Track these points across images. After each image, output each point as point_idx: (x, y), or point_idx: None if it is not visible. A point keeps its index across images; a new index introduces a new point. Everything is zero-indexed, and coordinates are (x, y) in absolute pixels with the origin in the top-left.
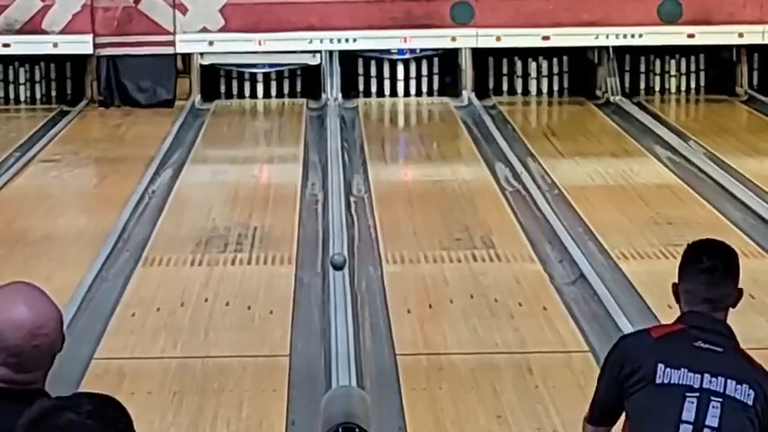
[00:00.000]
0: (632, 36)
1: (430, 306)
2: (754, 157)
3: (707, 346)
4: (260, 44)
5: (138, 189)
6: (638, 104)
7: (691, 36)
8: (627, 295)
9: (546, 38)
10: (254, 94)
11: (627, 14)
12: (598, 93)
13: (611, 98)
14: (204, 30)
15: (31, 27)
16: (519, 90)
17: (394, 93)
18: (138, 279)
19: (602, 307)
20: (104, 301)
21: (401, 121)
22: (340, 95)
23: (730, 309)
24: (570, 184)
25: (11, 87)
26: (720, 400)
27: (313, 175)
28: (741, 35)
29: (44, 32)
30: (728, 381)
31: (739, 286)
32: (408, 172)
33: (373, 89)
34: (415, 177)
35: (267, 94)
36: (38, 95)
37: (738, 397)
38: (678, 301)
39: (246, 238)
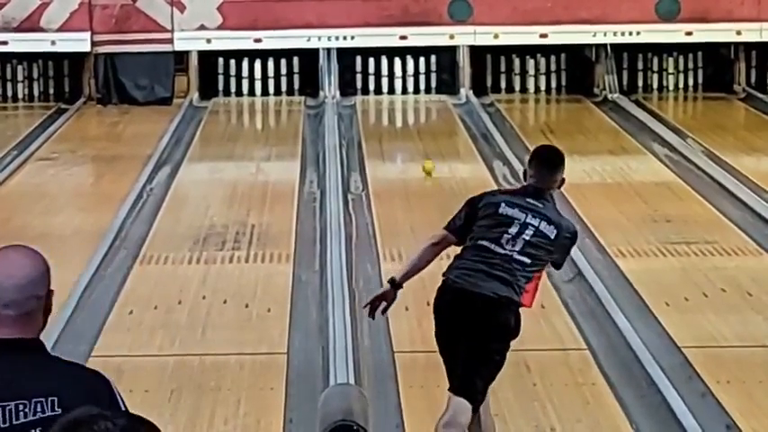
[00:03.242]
0: (630, 34)
1: (427, 303)
2: (752, 155)
3: (533, 202)
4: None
5: (135, 187)
6: (636, 102)
7: (689, 34)
8: (624, 292)
9: (544, 35)
10: (251, 92)
11: (624, 12)
12: (596, 90)
13: (609, 96)
14: (202, 27)
15: (29, 25)
16: (517, 88)
17: (392, 90)
18: (135, 277)
19: (600, 304)
20: (102, 298)
21: (399, 119)
22: (338, 93)
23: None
24: (568, 182)
25: (8, 85)
26: (534, 230)
27: (311, 172)
28: (739, 33)
29: (42, 30)
30: (542, 221)
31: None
32: (406, 169)
33: (371, 87)
34: (412, 175)
35: (265, 92)
36: (35, 93)
37: (545, 231)
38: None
39: (244, 236)
